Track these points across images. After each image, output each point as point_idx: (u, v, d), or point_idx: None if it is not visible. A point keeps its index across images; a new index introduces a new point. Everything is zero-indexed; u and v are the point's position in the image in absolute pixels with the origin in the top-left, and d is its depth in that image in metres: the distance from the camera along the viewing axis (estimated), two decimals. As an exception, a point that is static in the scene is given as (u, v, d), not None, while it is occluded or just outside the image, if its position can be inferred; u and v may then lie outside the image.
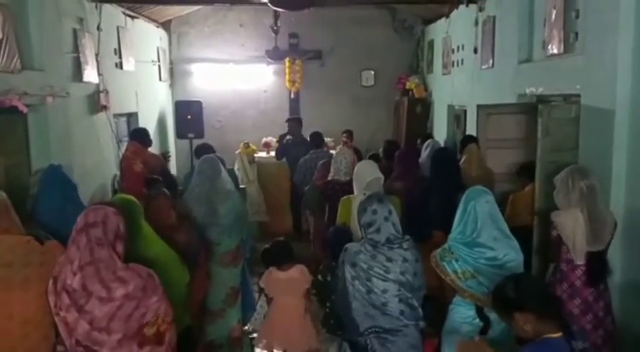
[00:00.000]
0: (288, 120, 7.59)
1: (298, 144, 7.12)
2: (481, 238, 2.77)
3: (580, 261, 3.02)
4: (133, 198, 2.64)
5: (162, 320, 2.23)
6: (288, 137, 7.45)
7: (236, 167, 7.43)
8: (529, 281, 2.37)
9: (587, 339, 3.01)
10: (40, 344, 2.40)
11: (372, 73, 9.55)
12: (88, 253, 2.11)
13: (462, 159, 4.76)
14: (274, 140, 8.34)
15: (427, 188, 3.94)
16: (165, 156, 6.49)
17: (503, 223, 2.85)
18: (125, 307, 2.12)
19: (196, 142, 8.23)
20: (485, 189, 2.95)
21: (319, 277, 3.52)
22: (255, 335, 3.96)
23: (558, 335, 2.13)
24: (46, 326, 2.38)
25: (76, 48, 5.39)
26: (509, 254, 2.77)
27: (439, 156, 4.29)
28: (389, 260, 2.76)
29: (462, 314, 2.86)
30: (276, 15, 7.90)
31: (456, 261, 2.79)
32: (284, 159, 7.34)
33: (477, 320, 2.79)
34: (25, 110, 4.00)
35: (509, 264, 2.75)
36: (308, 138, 7.04)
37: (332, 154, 5.52)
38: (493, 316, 2.73)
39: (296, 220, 7.28)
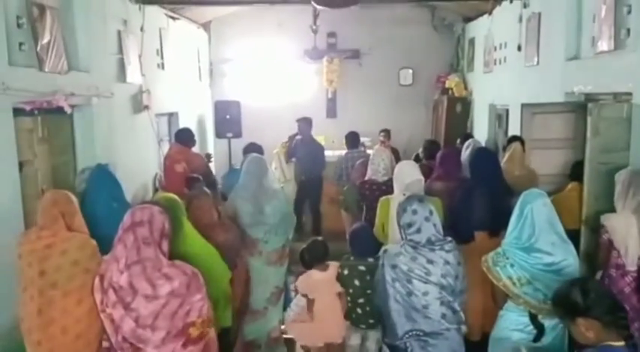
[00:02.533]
0: (297, 121, 7.54)
1: (307, 144, 7.15)
2: (539, 243, 2.69)
3: (632, 266, 2.90)
4: (175, 196, 2.67)
5: (207, 322, 2.25)
6: (297, 137, 7.41)
7: (273, 166, 7.46)
8: (597, 287, 2.28)
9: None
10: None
11: (411, 71, 9.44)
12: (135, 252, 2.15)
13: (505, 158, 4.64)
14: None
15: (468, 189, 3.84)
16: (208, 157, 6.55)
17: (561, 227, 2.76)
18: (170, 305, 2.15)
19: (234, 142, 8.38)
20: (542, 192, 2.86)
21: (341, 271, 3.47)
22: (289, 335, 3.94)
23: (620, 344, 2.05)
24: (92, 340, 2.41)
25: (120, 49, 5.50)
26: (568, 259, 2.69)
27: (479, 156, 4.18)
28: (430, 262, 2.71)
29: (513, 320, 2.79)
30: (316, 14, 7.88)
31: (512, 266, 2.72)
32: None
33: (530, 327, 2.71)
34: (69, 110, 4.10)
35: (567, 270, 2.66)
36: (344, 139, 7.01)
37: (368, 154, 5.48)
38: (547, 323, 2.65)
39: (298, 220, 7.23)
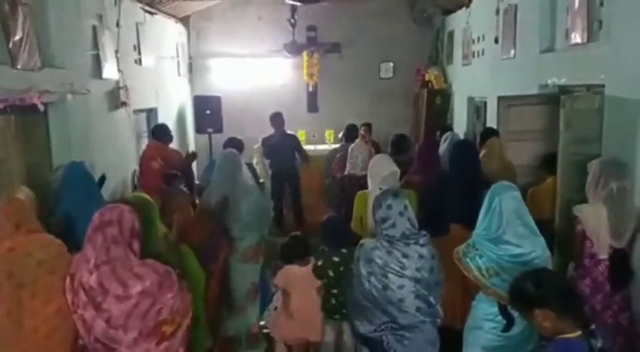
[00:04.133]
0: (270, 119, 7.50)
1: (277, 137, 7.20)
2: (507, 235, 2.72)
3: (603, 255, 2.96)
4: (146, 196, 2.65)
5: (180, 317, 2.24)
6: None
7: (254, 161, 7.46)
8: (550, 276, 2.31)
9: (609, 335, 2.95)
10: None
11: (391, 64, 9.46)
12: (104, 252, 2.13)
13: (483, 152, 4.68)
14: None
15: (445, 181, 3.87)
16: (194, 155, 6.46)
17: (529, 219, 2.78)
18: (141, 304, 2.14)
19: (215, 137, 8.34)
20: (511, 185, 2.88)
21: (315, 261, 3.51)
22: (267, 330, 3.95)
23: (577, 334, 2.08)
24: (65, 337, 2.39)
25: (96, 45, 5.43)
26: (536, 251, 2.71)
27: (458, 148, 4.22)
28: (405, 256, 2.73)
29: (484, 310, 2.82)
30: (294, 8, 7.86)
31: (480, 257, 2.74)
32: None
33: (500, 317, 2.75)
34: (41, 108, 4.03)
35: (535, 261, 2.68)
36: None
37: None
38: (516, 313, 2.69)
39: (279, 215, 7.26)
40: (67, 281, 2.21)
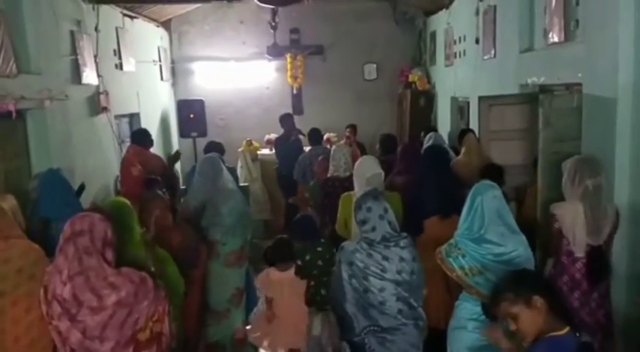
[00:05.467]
0: (280, 120, 7.55)
1: (287, 139, 7.16)
2: (488, 234, 2.71)
3: (580, 253, 2.98)
4: (124, 201, 2.61)
5: (154, 322, 2.21)
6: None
7: (239, 165, 7.42)
8: (534, 272, 2.33)
9: (586, 331, 2.97)
10: None
11: (375, 66, 9.47)
12: (77, 263, 2.09)
13: (462, 151, 4.71)
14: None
15: (421, 183, 3.87)
16: (177, 154, 6.40)
17: (510, 218, 2.78)
18: (117, 315, 2.10)
19: (199, 141, 8.29)
20: (493, 184, 2.87)
21: (301, 259, 3.55)
22: (254, 334, 3.91)
23: (565, 330, 2.08)
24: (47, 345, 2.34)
25: (74, 50, 5.38)
26: (518, 249, 2.70)
27: (428, 153, 4.22)
28: (385, 259, 2.72)
29: (468, 310, 2.80)
30: (274, 11, 7.84)
31: (463, 256, 2.73)
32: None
33: (484, 316, 2.74)
34: (14, 115, 3.98)
35: (517, 260, 2.67)
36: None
37: (329, 150, 5.48)
38: None
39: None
40: (41, 292, 2.17)
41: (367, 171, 3.90)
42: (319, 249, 3.57)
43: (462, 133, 5.08)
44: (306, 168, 6.06)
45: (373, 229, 2.77)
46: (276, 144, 7.48)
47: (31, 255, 2.35)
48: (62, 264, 2.10)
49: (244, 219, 3.93)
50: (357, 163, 4.12)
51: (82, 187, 4.42)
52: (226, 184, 3.82)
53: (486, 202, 2.71)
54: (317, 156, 5.68)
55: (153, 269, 2.47)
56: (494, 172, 4.00)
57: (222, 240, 3.73)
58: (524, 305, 2.10)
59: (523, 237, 2.76)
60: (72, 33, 5.37)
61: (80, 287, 2.07)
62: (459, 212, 2.84)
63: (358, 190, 3.87)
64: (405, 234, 2.85)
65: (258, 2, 6.02)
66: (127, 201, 2.60)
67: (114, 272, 2.14)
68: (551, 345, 2.06)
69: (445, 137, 6.80)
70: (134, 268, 2.25)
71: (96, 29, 5.85)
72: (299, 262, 3.55)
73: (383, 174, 4.02)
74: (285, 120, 7.42)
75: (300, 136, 7.37)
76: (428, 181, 3.76)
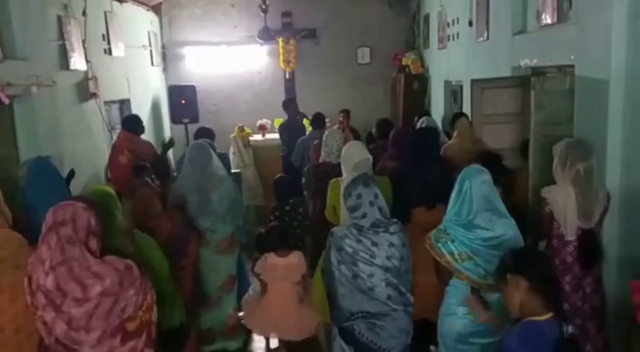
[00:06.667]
0: (283, 105, 7.51)
1: (292, 123, 7.13)
2: (477, 219, 2.69)
3: (571, 236, 2.97)
4: (108, 189, 2.57)
5: (143, 311, 2.19)
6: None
7: (231, 151, 7.37)
8: (536, 253, 2.35)
9: (578, 316, 2.97)
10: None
11: (368, 50, 9.40)
12: (59, 252, 2.06)
13: (454, 134, 4.68)
14: (269, 122, 8.27)
15: (406, 169, 3.83)
16: (171, 142, 6.33)
17: (499, 203, 2.76)
18: (103, 304, 2.08)
19: (191, 127, 8.22)
20: (482, 168, 2.84)
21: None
22: (247, 319, 3.92)
23: (547, 316, 2.07)
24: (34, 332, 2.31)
25: (62, 35, 5.28)
26: (507, 233, 2.69)
27: (416, 138, 4.14)
28: (374, 244, 2.70)
29: (458, 296, 2.78)
30: (266, -7, 7.74)
31: (452, 242, 2.71)
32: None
33: None
34: (6, 101, 3.91)
35: (506, 244, 2.65)
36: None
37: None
38: (490, 298, 2.68)
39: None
40: (25, 282, 2.14)
41: (355, 156, 3.86)
42: (286, 207, 4.32)
43: (454, 117, 5.06)
44: (305, 153, 6.02)
45: (363, 216, 2.75)
46: (280, 129, 7.43)
47: (13, 243, 2.32)
48: (45, 253, 2.07)
49: (235, 206, 3.90)
50: (344, 149, 4.07)
51: (71, 174, 4.37)
52: (216, 171, 3.78)
53: (475, 187, 2.69)
54: (314, 140, 5.63)
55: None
56: (492, 161, 3.93)
57: (212, 228, 3.71)
58: (505, 280, 2.15)
59: (512, 221, 2.74)
60: (59, 17, 5.26)
61: (63, 278, 2.04)
62: (445, 201, 2.82)
63: (346, 176, 3.84)
64: (395, 220, 2.83)
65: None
66: (111, 190, 2.56)
67: (97, 261, 2.11)
68: (526, 328, 2.06)
69: (439, 121, 6.77)
70: (119, 256, 2.23)
71: (84, 13, 5.74)
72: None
73: (371, 159, 3.98)
74: (289, 104, 7.40)
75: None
76: (412, 170, 3.72)
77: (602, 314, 3.11)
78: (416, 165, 3.73)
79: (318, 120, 6.67)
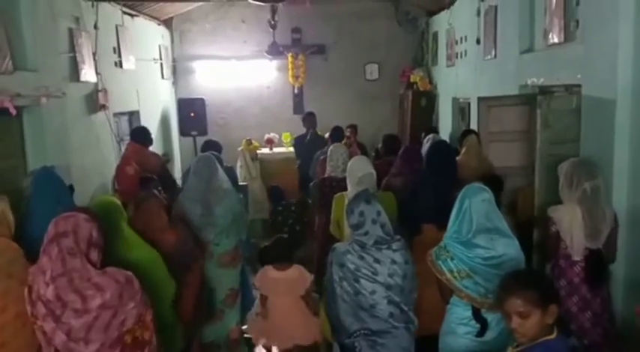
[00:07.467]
0: (303, 119, 7.57)
1: (306, 140, 7.13)
2: (477, 238, 2.65)
3: (578, 256, 2.93)
4: (112, 200, 2.58)
5: (140, 325, 2.18)
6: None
7: (238, 164, 7.41)
8: (534, 273, 2.33)
9: (586, 337, 2.92)
10: None
11: (377, 66, 9.43)
12: (60, 264, 2.06)
13: (462, 151, 4.66)
14: (277, 136, 8.31)
15: (419, 180, 3.82)
16: (165, 158, 6.40)
17: (501, 222, 2.72)
18: (102, 317, 2.08)
19: (200, 140, 8.26)
20: (483, 187, 2.81)
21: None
22: (251, 333, 3.89)
23: (554, 336, 2.06)
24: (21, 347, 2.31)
25: (73, 47, 5.36)
26: (509, 253, 2.65)
27: (435, 149, 4.15)
28: (377, 261, 2.68)
29: (458, 315, 2.75)
30: (274, 9, 7.80)
31: (452, 259, 2.68)
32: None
33: (474, 321, 2.70)
34: (14, 112, 3.95)
35: (507, 264, 2.61)
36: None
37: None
38: (490, 317, 2.65)
39: None
40: (25, 292, 2.14)
41: (359, 170, 3.87)
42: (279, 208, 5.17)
43: (463, 134, 5.01)
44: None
45: (366, 233, 2.74)
46: (294, 143, 7.47)
47: (8, 253, 2.33)
48: (46, 264, 2.08)
49: (239, 219, 3.89)
50: (349, 163, 4.10)
51: (70, 188, 4.39)
52: (221, 184, 3.78)
53: (474, 206, 2.66)
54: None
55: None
56: (494, 184, 3.91)
57: (215, 241, 3.70)
58: (541, 309, 2.06)
59: (515, 241, 2.71)
60: (70, 30, 5.34)
61: (63, 289, 2.05)
62: None
63: (351, 190, 3.84)
64: (398, 237, 2.81)
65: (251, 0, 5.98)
66: (116, 201, 2.57)
67: (98, 272, 2.11)
68: (547, 349, 2.06)
69: (446, 138, 6.76)
70: (121, 268, 2.22)
71: (95, 27, 5.83)
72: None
73: (375, 174, 3.98)
74: (307, 118, 7.41)
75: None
76: (426, 186, 3.69)
77: (612, 335, 3.06)
78: (431, 178, 3.70)
79: (337, 134, 6.67)
